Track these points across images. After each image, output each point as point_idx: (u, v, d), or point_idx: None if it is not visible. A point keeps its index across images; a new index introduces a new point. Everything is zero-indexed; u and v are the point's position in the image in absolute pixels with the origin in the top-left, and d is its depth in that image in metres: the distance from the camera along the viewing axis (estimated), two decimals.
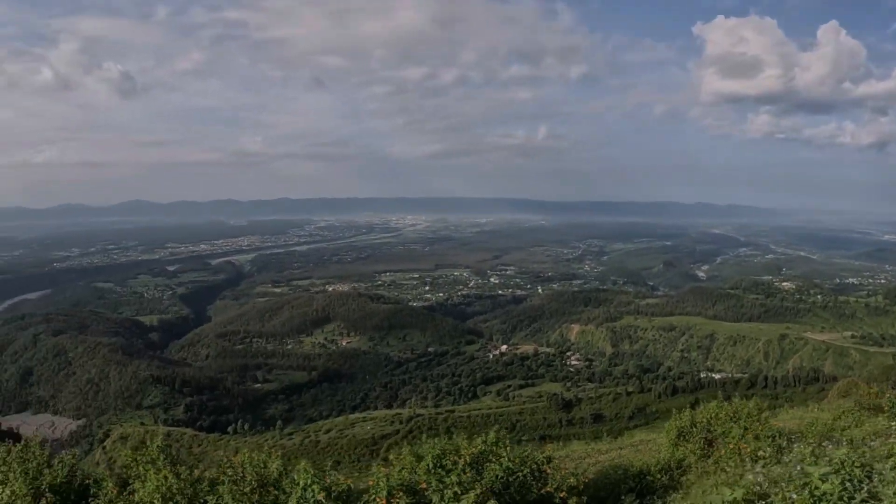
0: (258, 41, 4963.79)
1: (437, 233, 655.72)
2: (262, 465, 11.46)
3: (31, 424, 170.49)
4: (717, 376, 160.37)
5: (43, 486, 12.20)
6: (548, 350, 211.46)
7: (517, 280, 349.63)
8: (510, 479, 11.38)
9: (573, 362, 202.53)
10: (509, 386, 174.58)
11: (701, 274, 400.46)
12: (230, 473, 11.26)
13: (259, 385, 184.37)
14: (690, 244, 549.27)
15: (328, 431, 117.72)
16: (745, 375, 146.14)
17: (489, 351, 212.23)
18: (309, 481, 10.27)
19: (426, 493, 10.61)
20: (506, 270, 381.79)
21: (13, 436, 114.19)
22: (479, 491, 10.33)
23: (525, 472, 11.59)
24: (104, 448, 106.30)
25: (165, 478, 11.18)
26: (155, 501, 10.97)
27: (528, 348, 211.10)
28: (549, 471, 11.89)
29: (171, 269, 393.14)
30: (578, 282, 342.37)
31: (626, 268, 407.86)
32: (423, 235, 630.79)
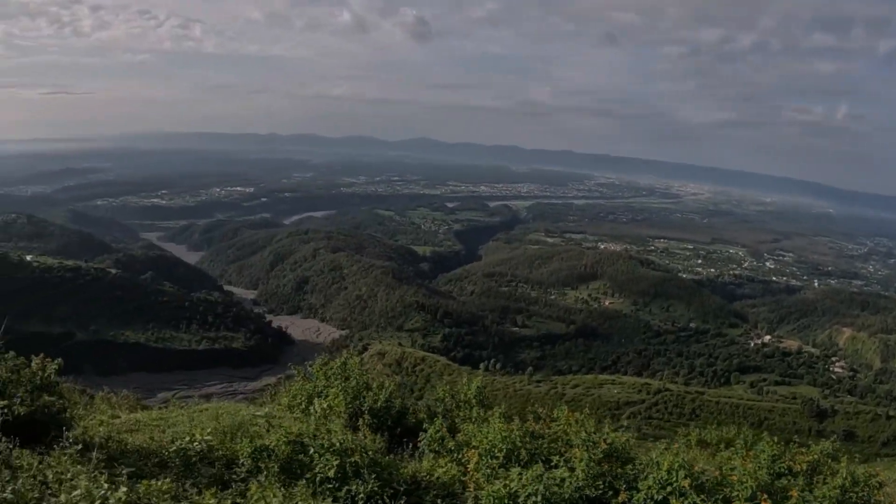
0: None
1: (717, 205, 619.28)
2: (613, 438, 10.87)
3: (298, 326, 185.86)
4: None
5: (364, 407, 12.90)
6: (812, 350, 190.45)
7: (793, 269, 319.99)
8: (843, 497, 10.38)
9: (836, 369, 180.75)
10: (764, 380, 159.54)
11: None
12: (583, 437, 10.80)
13: (516, 329, 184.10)
14: None
15: (575, 387, 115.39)
16: None
17: (751, 339, 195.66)
18: (676, 465, 9.76)
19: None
20: (783, 256, 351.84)
21: (283, 334, 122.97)
22: None
23: (859, 494, 10.61)
24: (361, 360, 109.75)
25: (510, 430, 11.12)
26: (496, 452, 10.81)
27: (791, 344, 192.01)
28: (881, 497, 11.03)
29: (449, 205, 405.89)
30: (859, 282, 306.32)
31: None
32: (704, 206, 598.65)
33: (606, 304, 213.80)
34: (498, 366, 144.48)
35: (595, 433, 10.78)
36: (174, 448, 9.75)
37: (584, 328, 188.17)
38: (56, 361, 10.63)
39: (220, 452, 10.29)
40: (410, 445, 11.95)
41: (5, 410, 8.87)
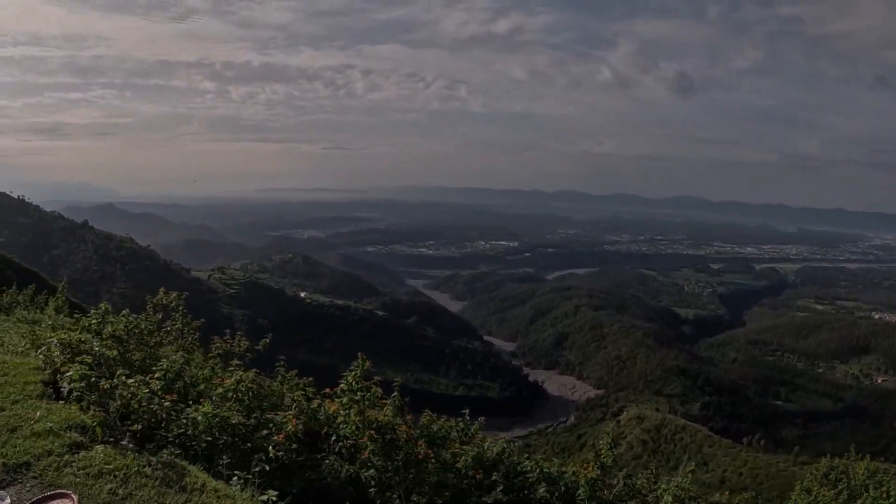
0: (816, 37, 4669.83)
1: None
2: None
3: (554, 381, 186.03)
4: None
5: None
6: None
7: None
8: None
9: None
10: None
11: None
12: None
13: (779, 402, 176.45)
14: None
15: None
16: None
17: None
18: None
19: None
20: None
21: (538, 388, 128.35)
22: None
23: None
24: (618, 422, 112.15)
25: None
26: None
27: None
28: None
29: (713, 266, 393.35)
30: None
31: None
32: None
33: (879, 381, 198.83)
34: (762, 442, 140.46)
35: None
36: None
37: (853, 407, 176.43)
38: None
39: None
40: None
41: None
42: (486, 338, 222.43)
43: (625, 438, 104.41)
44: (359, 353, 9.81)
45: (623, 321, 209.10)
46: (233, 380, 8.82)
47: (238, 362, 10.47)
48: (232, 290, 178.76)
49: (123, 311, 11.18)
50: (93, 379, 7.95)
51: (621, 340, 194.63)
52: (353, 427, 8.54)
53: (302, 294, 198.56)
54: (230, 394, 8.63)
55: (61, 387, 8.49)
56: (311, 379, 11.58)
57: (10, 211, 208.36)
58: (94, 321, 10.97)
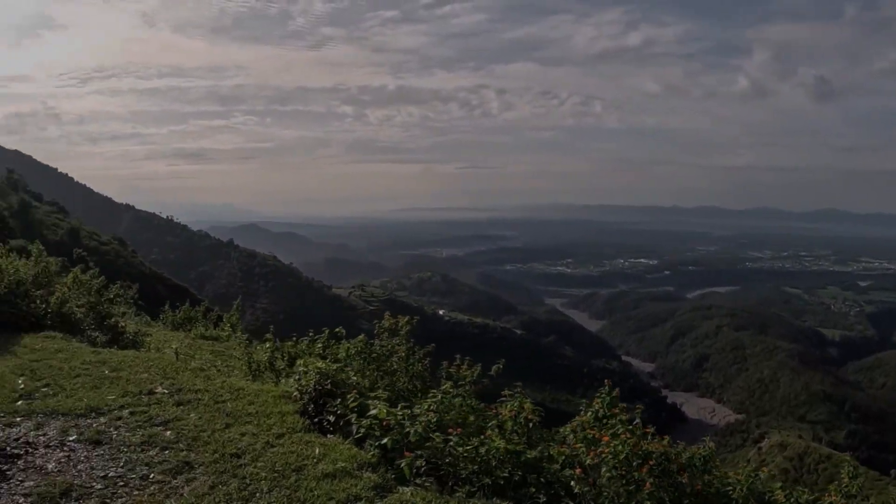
0: None
1: None
2: None
3: (693, 404, 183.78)
4: None
5: None
6: None
7: None
8: None
9: None
10: None
11: None
12: None
13: None
14: None
15: None
16: None
17: None
18: None
19: None
20: None
21: (677, 411, 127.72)
22: None
23: None
24: (759, 449, 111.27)
25: None
26: None
27: None
28: None
29: (861, 284, 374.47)
30: None
31: None
32: None
33: None
34: None
35: None
36: None
37: None
38: None
39: None
40: None
41: None
42: (624, 358, 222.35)
43: (766, 466, 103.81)
44: (605, 380, 9.76)
45: (766, 342, 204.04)
46: (509, 408, 8.44)
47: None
48: (371, 307, 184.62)
49: (359, 337, 11.02)
50: (372, 411, 7.91)
51: (764, 362, 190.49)
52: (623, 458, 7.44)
53: (440, 312, 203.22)
54: (509, 424, 8.10)
55: (324, 419, 8.50)
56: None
57: (159, 230, 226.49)
58: (318, 346, 11.54)
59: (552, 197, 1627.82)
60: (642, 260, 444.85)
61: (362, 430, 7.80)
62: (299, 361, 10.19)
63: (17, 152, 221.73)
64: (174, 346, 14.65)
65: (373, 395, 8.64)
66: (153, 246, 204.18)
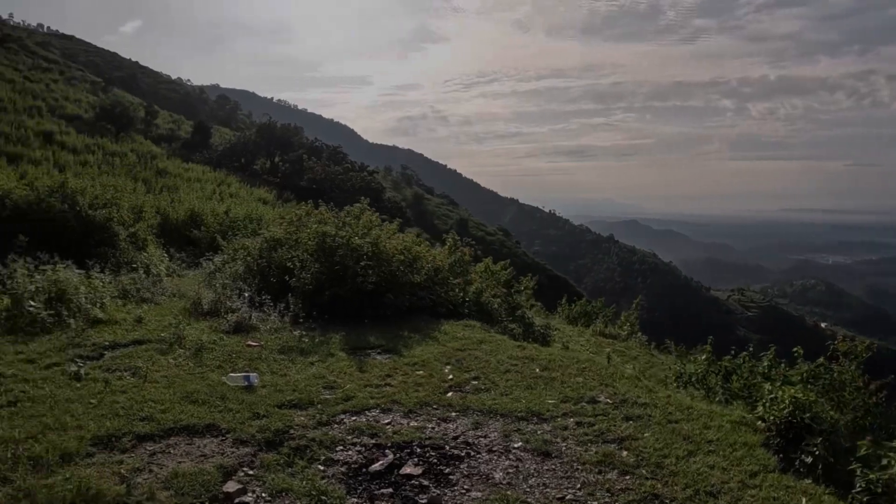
0: None
1: None
2: None
3: None
4: None
5: None
6: None
7: None
8: None
9: None
10: None
11: None
12: None
13: None
14: None
15: None
16: None
17: None
18: None
19: None
20: None
21: None
22: None
23: None
24: None
25: None
26: None
27: None
28: None
29: None
30: None
31: None
32: None
33: None
34: None
35: None
36: None
37: None
38: None
39: None
40: None
41: None
42: None
43: None
44: None
45: None
46: None
47: None
48: (750, 313, 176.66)
49: (818, 360, 9.53)
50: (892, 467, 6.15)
51: None
52: None
53: (823, 324, 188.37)
54: None
55: (799, 458, 6.78)
56: None
57: (542, 223, 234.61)
58: (764, 365, 10.12)
59: None
60: None
61: (874, 488, 6.00)
62: (766, 385, 8.66)
63: (410, 151, 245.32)
64: (580, 343, 14.91)
65: (890, 444, 6.57)
66: (535, 238, 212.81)
